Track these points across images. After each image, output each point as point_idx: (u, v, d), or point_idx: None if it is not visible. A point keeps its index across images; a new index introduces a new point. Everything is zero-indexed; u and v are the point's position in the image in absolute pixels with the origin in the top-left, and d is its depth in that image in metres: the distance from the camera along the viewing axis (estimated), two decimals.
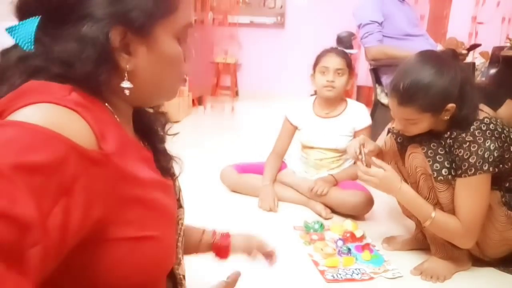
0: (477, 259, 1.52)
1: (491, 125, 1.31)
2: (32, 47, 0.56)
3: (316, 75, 2.07)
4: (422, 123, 1.34)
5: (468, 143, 1.31)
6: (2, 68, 0.58)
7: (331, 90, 2.03)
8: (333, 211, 1.99)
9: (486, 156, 1.28)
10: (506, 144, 1.32)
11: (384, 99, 2.68)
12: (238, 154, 2.58)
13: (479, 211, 1.33)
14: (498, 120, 1.35)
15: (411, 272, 1.49)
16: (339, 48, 2.13)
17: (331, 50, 2.09)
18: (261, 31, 5.40)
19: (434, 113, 1.32)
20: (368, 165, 1.47)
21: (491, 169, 1.29)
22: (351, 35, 4.83)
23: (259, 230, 1.76)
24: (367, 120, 2.09)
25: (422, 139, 1.41)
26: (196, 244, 0.98)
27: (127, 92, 0.60)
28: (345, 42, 4.89)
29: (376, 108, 2.76)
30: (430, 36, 2.76)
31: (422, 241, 1.59)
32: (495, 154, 1.29)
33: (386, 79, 2.65)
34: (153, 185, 0.62)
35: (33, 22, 0.57)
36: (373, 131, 2.73)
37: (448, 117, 1.33)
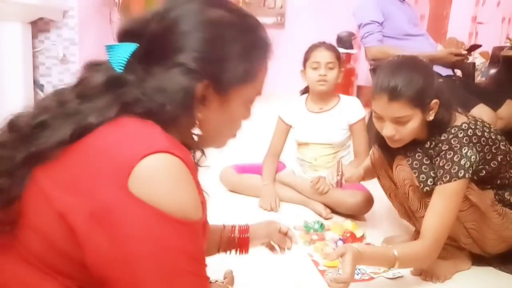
0: (477, 257, 1.52)
1: (469, 131, 1.32)
2: (122, 69, 0.62)
3: (307, 71, 2.09)
4: (413, 122, 1.32)
5: (444, 151, 1.32)
6: (88, 83, 0.62)
7: (323, 84, 2.04)
8: (333, 211, 1.99)
9: (462, 163, 1.28)
10: (487, 146, 1.32)
11: None
12: (237, 155, 2.58)
13: (447, 221, 1.30)
14: (478, 123, 1.35)
15: (411, 272, 1.49)
16: (326, 42, 2.15)
17: (319, 44, 2.11)
18: None
19: (422, 109, 1.31)
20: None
21: (467, 175, 1.29)
22: (351, 35, 4.86)
23: None
24: (361, 113, 2.09)
25: (406, 150, 1.40)
26: (218, 242, 1.02)
27: (195, 137, 0.68)
28: (345, 42, 4.93)
29: None
30: (430, 36, 2.76)
31: None
32: (472, 160, 1.29)
33: None
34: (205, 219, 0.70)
35: (130, 47, 0.62)
36: (373, 131, 2.73)
37: (432, 117, 1.33)
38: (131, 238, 0.53)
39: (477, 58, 3.13)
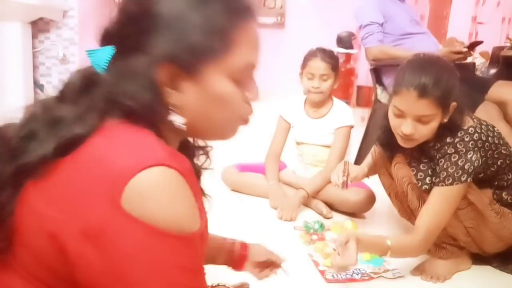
0: (477, 257, 1.52)
1: (475, 135, 1.32)
2: (104, 71, 0.60)
3: (303, 78, 2.10)
4: (434, 122, 1.31)
5: (449, 154, 1.32)
6: (66, 87, 0.60)
7: (317, 94, 2.06)
8: (333, 208, 2.00)
9: (466, 167, 1.29)
10: (489, 151, 1.33)
11: (384, 99, 2.68)
12: (238, 154, 2.58)
13: (442, 222, 1.33)
14: (483, 127, 1.36)
15: (411, 272, 1.49)
16: (326, 50, 2.12)
17: (317, 53, 2.08)
18: (261, 31, 5.40)
19: (444, 111, 1.31)
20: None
21: (468, 179, 1.30)
22: (351, 35, 4.85)
23: (259, 230, 1.76)
24: (348, 121, 2.09)
25: (405, 148, 1.40)
26: (216, 253, 0.99)
27: (182, 126, 0.62)
28: (345, 42, 4.92)
29: (376, 108, 2.76)
30: (431, 34, 2.76)
31: None
32: (476, 165, 1.30)
33: (386, 79, 2.65)
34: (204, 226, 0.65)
35: (108, 51, 0.60)
36: (373, 132, 2.73)
37: (447, 120, 1.33)
38: (125, 257, 0.51)
39: (477, 58, 3.12)
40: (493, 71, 2.73)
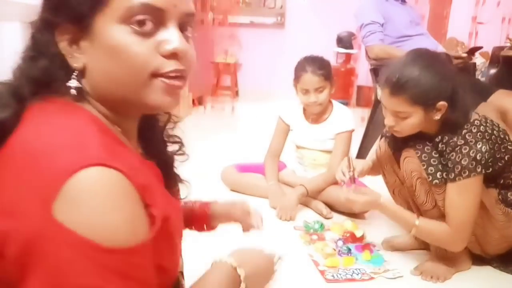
0: (478, 258, 1.52)
1: (481, 127, 1.33)
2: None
3: (299, 93, 2.07)
4: (413, 118, 1.34)
5: (459, 146, 1.32)
6: None
7: (316, 107, 2.04)
8: (333, 209, 1.99)
9: (478, 158, 1.29)
10: (497, 144, 1.34)
11: None
12: (238, 154, 2.58)
13: (470, 213, 1.33)
14: (488, 121, 1.36)
15: (411, 272, 1.49)
16: (315, 59, 2.05)
17: (306, 67, 2.01)
18: (261, 31, 5.40)
19: (425, 108, 1.32)
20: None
21: (483, 170, 1.31)
22: (351, 35, 4.85)
23: (259, 230, 1.76)
24: (348, 125, 2.08)
25: (415, 143, 1.41)
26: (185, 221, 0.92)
27: (73, 91, 0.57)
28: (345, 42, 4.93)
29: (376, 108, 2.76)
30: (430, 35, 2.76)
31: (422, 241, 1.58)
32: (487, 156, 1.30)
33: None
34: (173, 218, 0.61)
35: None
36: (373, 132, 2.73)
37: (439, 117, 1.33)
38: (53, 271, 0.45)
39: (477, 58, 3.12)
40: (493, 71, 2.73)
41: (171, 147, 0.78)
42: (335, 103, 2.17)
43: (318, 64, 2.02)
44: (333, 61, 5.04)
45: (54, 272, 0.45)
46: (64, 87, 0.57)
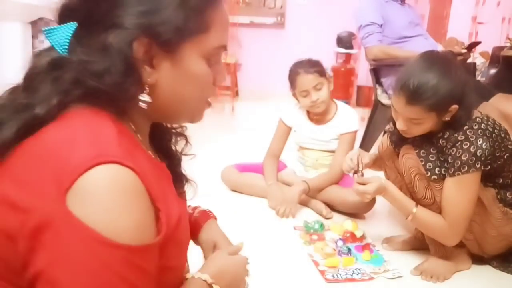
0: (477, 258, 1.52)
1: (483, 124, 1.34)
2: (67, 51, 0.57)
3: (299, 98, 2.07)
4: (426, 124, 1.34)
5: (460, 141, 1.32)
6: (32, 73, 0.58)
7: (319, 105, 2.03)
8: (333, 209, 1.99)
9: (478, 154, 1.29)
10: (497, 143, 1.34)
11: (384, 100, 2.68)
12: (238, 154, 2.58)
13: (467, 209, 1.34)
14: (490, 119, 1.37)
15: (411, 272, 1.50)
16: (303, 61, 2.06)
17: (298, 69, 2.02)
18: (261, 31, 5.40)
19: (439, 113, 1.32)
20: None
21: (482, 167, 1.31)
22: (351, 35, 4.86)
23: (259, 230, 1.77)
24: (352, 126, 2.08)
25: (414, 139, 1.42)
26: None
27: (143, 105, 0.60)
28: (345, 42, 4.93)
29: (376, 108, 2.76)
30: (430, 36, 2.76)
31: (422, 241, 1.59)
32: (487, 153, 1.30)
33: (386, 80, 2.65)
34: (180, 218, 0.62)
35: (70, 27, 0.57)
36: (373, 132, 2.73)
37: (449, 118, 1.33)
38: (59, 259, 0.47)
39: (477, 58, 3.12)
40: (493, 71, 2.73)
41: (178, 147, 0.79)
42: (339, 103, 2.17)
43: (308, 64, 2.04)
44: (333, 61, 5.06)
45: (56, 257, 0.47)
46: (123, 93, 0.57)
